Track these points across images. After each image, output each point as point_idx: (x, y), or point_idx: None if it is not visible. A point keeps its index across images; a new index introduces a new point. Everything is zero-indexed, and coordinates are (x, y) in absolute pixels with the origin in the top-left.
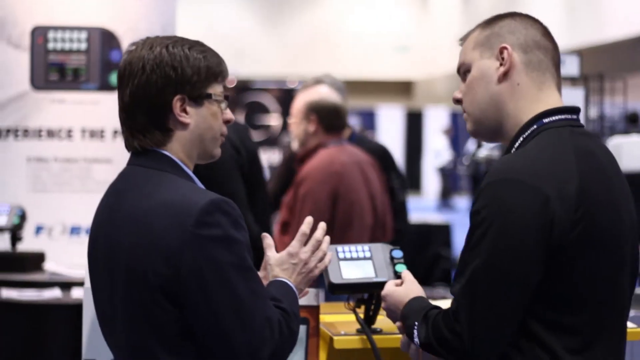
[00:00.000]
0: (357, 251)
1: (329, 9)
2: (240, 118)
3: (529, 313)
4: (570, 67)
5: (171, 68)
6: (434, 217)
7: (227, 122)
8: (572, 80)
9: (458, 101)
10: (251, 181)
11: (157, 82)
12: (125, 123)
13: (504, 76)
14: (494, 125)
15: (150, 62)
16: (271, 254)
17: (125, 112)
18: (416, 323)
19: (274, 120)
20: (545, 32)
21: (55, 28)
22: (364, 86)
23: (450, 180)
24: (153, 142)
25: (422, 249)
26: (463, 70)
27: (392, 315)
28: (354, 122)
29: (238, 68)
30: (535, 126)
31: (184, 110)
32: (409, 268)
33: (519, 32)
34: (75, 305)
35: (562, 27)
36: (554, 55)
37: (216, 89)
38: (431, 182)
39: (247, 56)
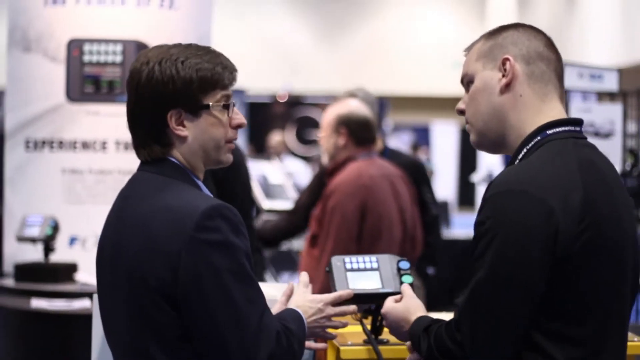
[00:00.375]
0: (364, 262)
1: (384, 24)
2: (292, 132)
3: (533, 324)
4: (609, 82)
5: (161, 84)
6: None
7: (237, 127)
8: (611, 96)
9: (461, 112)
10: (225, 188)
11: (149, 99)
12: (132, 134)
13: (507, 87)
14: (496, 136)
15: (143, 79)
16: (303, 290)
17: (130, 125)
18: (419, 336)
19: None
20: (549, 44)
21: (91, 41)
22: (418, 102)
23: None
24: (154, 155)
25: (466, 264)
26: (466, 81)
27: (396, 332)
28: (407, 137)
29: (292, 83)
30: (538, 137)
31: (181, 124)
32: (452, 282)
33: (521, 44)
34: None
35: (615, 42)
36: (557, 66)
37: (215, 97)
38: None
39: (302, 71)
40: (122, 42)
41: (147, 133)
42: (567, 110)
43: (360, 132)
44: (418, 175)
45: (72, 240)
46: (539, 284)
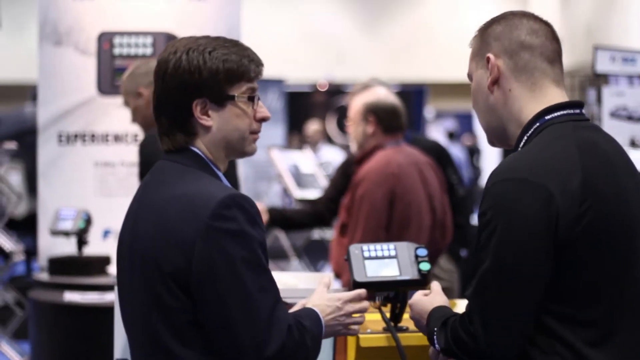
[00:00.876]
0: (382, 250)
1: (429, 11)
2: (332, 121)
3: (544, 310)
4: None
5: (188, 73)
6: None
7: (261, 120)
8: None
9: None
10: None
11: (176, 88)
12: (157, 122)
13: (494, 85)
14: (499, 132)
15: (170, 67)
16: (322, 290)
17: (156, 113)
18: (435, 329)
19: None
20: (532, 29)
21: (122, 33)
22: (463, 88)
23: None
24: (178, 143)
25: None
26: (470, 80)
27: (418, 325)
28: (450, 124)
29: (334, 72)
30: (538, 124)
31: (206, 113)
32: (472, 264)
33: (503, 37)
34: None
35: None
36: (544, 49)
37: (241, 89)
38: None
39: (346, 60)
40: (152, 34)
41: (172, 121)
42: (599, 94)
43: (388, 120)
44: (442, 158)
45: (106, 233)
46: (545, 269)
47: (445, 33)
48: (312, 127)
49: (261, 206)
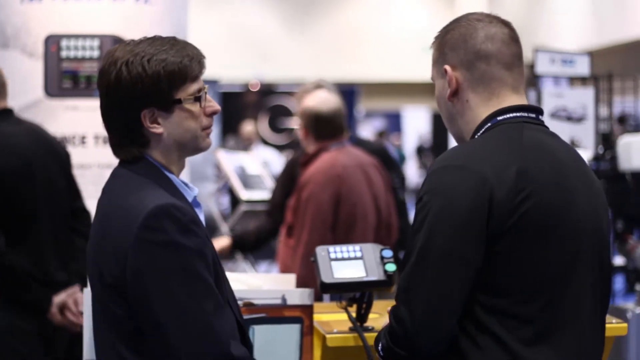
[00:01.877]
0: (348, 251)
1: (354, 12)
2: (264, 121)
3: (477, 302)
4: (581, 67)
5: (130, 85)
6: None
7: (211, 114)
8: (582, 80)
9: None
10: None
11: (121, 101)
12: (108, 134)
13: (452, 96)
14: (459, 137)
15: (112, 80)
16: None
17: (105, 126)
18: (381, 333)
19: (296, 123)
20: (488, 36)
21: (69, 36)
22: (389, 88)
23: None
24: (132, 155)
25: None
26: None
27: None
28: (379, 123)
29: (264, 72)
30: (489, 124)
31: (155, 122)
32: None
33: (459, 48)
34: None
35: (585, 27)
36: (500, 56)
37: (187, 90)
38: None
39: (272, 60)
40: (99, 37)
41: (123, 134)
42: (539, 96)
43: (315, 129)
44: (385, 161)
45: None
46: (475, 255)
47: (373, 33)
48: (247, 127)
49: (225, 240)
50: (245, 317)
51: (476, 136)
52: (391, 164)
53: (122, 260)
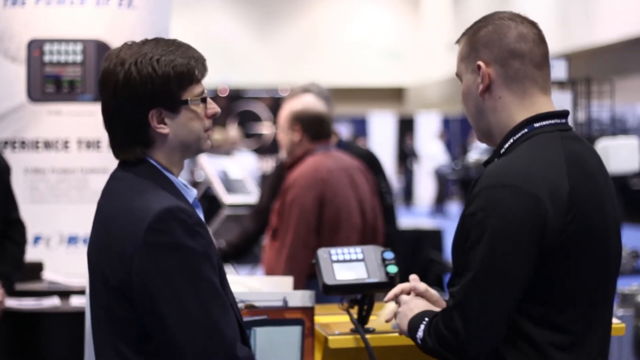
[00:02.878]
0: (349, 253)
1: (320, 17)
2: (233, 127)
3: (519, 310)
4: (558, 71)
5: (140, 85)
6: (426, 223)
7: (212, 116)
8: (560, 84)
9: None
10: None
11: (129, 100)
12: (109, 134)
13: (485, 92)
14: (487, 133)
15: (120, 80)
16: None
17: (107, 126)
18: (422, 326)
19: (266, 128)
20: (520, 35)
21: (51, 41)
22: (355, 93)
23: (445, 185)
24: (135, 155)
25: (414, 255)
26: (460, 79)
27: (401, 320)
28: (345, 129)
29: (231, 77)
30: (526, 130)
31: (162, 122)
32: (401, 272)
33: (493, 45)
34: (74, 314)
35: (552, 31)
36: (532, 56)
37: (193, 91)
38: (422, 187)
39: (240, 65)
40: (82, 41)
41: (128, 134)
42: None
43: (314, 128)
44: (372, 166)
45: (37, 239)
46: (527, 273)
47: (340, 38)
48: (231, 132)
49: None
50: (247, 319)
51: (511, 140)
52: (378, 168)
53: (129, 263)
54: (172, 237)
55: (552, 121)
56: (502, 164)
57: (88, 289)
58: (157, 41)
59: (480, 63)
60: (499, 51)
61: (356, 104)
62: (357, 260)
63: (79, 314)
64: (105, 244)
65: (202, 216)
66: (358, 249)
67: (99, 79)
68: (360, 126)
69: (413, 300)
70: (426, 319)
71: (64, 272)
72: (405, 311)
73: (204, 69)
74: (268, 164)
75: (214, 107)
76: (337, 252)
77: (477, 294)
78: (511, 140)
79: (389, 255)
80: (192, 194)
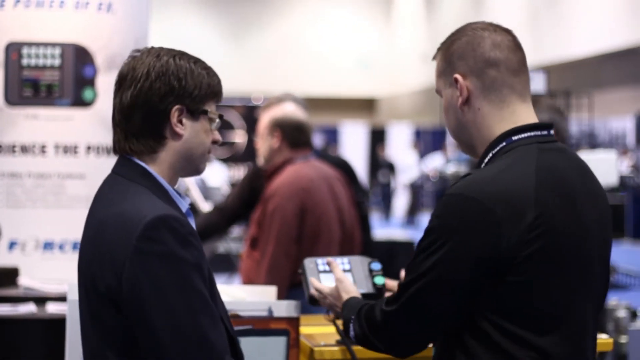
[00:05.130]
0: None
1: (293, 27)
2: None
3: (488, 321)
4: (537, 84)
5: (176, 78)
6: (399, 234)
7: (214, 142)
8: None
9: None
10: None
11: (160, 90)
12: (120, 125)
13: (464, 104)
14: (469, 145)
15: (157, 69)
16: None
17: (122, 114)
18: (352, 317)
19: (238, 137)
20: (494, 43)
21: (30, 44)
22: (327, 103)
23: (418, 196)
24: (145, 147)
25: (387, 266)
26: (440, 95)
27: (333, 310)
28: (317, 138)
29: None
30: (504, 143)
31: (180, 121)
32: None
33: (467, 56)
34: (50, 320)
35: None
36: (509, 63)
37: (212, 107)
38: (395, 199)
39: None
40: (60, 45)
41: (146, 124)
42: None
43: (294, 135)
44: (348, 175)
45: (12, 245)
46: (472, 288)
47: (311, 48)
48: None
49: None
50: None
51: (490, 154)
52: (354, 178)
53: (119, 271)
54: (164, 245)
55: (532, 133)
56: (471, 175)
57: (70, 295)
58: (187, 53)
59: (457, 76)
60: (474, 62)
61: (328, 113)
62: (343, 270)
63: (55, 321)
64: (96, 250)
65: (194, 225)
66: (345, 259)
67: (124, 65)
68: (331, 136)
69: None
70: (354, 312)
71: (39, 278)
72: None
73: (222, 93)
74: (240, 172)
75: (218, 135)
76: (324, 262)
77: (414, 294)
78: (490, 155)
79: (377, 266)
80: (185, 203)
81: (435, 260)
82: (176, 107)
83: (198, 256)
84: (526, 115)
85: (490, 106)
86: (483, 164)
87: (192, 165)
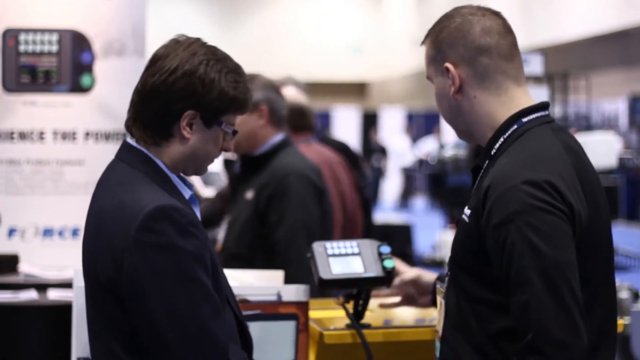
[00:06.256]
0: (345, 247)
1: (283, 11)
2: None
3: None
4: (534, 66)
5: (200, 84)
6: (394, 218)
7: (225, 150)
8: (536, 79)
9: None
10: None
11: (180, 90)
12: (134, 106)
13: (457, 93)
14: (468, 133)
15: (185, 68)
16: None
17: (139, 97)
18: None
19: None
20: (484, 29)
21: (27, 30)
22: (319, 88)
23: (411, 180)
24: (150, 137)
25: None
26: (432, 82)
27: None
28: None
29: None
30: (515, 126)
31: (190, 126)
32: None
33: (457, 44)
34: (51, 307)
35: (519, 27)
36: (500, 48)
37: (230, 119)
38: (388, 182)
39: None
40: (58, 31)
41: (156, 116)
42: None
43: (295, 119)
44: (350, 159)
45: (11, 232)
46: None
47: (303, 32)
48: None
49: None
50: None
51: (501, 138)
52: (355, 162)
53: (119, 262)
54: (164, 236)
55: (538, 114)
56: (513, 162)
57: (76, 281)
58: (229, 56)
59: (448, 65)
60: (465, 50)
61: (319, 98)
62: (353, 254)
63: (57, 308)
64: (97, 239)
65: (198, 212)
66: (354, 242)
67: (162, 47)
68: (323, 121)
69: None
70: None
71: (39, 265)
72: None
73: (250, 104)
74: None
75: (230, 145)
76: (332, 246)
77: (561, 290)
78: (501, 140)
79: (386, 249)
80: (189, 190)
81: (547, 251)
82: (190, 111)
83: (200, 245)
84: (526, 98)
85: (486, 94)
86: (494, 150)
87: (193, 168)
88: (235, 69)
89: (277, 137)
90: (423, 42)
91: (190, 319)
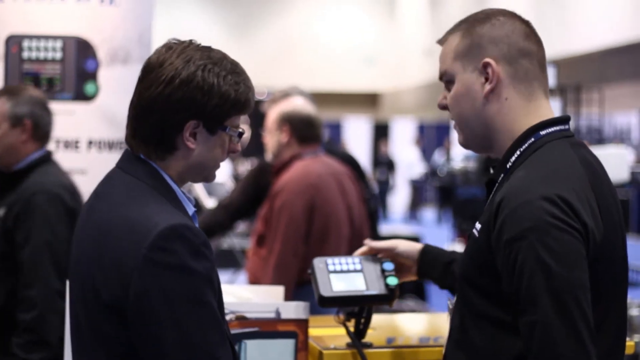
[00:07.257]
0: (347, 263)
1: (296, 21)
2: None
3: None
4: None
5: (200, 92)
6: (402, 229)
7: (233, 152)
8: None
9: (444, 107)
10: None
11: (179, 100)
12: (132, 122)
13: (491, 92)
14: (483, 139)
15: (182, 77)
16: None
17: (136, 111)
18: None
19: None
20: (528, 33)
21: (30, 37)
22: (330, 98)
23: (420, 192)
24: (153, 152)
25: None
26: (446, 80)
27: None
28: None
29: None
30: (532, 139)
31: (194, 136)
32: None
33: (501, 42)
34: None
35: None
36: (540, 57)
37: (235, 121)
38: (396, 194)
39: None
40: (62, 38)
41: (156, 130)
42: None
43: (303, 130)
44: (355, 170)
45: None
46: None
47: (314, 43)
48: None
49: None
50: (237, 331)
51: (518, 151)
52: (361, 174)
53: (127, 280)
54: (176, 257)
55: (557, 127)
56: (529, 176)
57: (67, 293)
58: (225, 56)
59: (490, 60)
60: (509, 48)
61: (331, 108)
62: (355, 270)
63: None
64: (98, 253)
65: (196, 224)
66: (356, 259)
67: (155, 55)
68: (334, 131)
69: None
70: None
71: None
72: None
73: (253, 103)
74: (244, 167)
75: (237, 146)
76: (334, 262)
77: (571, 309)
78: (518, 152)
79: (389, 266)
80: (192, 206)
81: (558, 269)
82: (192, 121)
83: (209, 268)
84: (550, 111)
85: (518, 97)
86: (510, 163)
87: (201, 175)
88: (233, 69)
89: (37, 153)
90: (445, 38)
91: (199, 346)
